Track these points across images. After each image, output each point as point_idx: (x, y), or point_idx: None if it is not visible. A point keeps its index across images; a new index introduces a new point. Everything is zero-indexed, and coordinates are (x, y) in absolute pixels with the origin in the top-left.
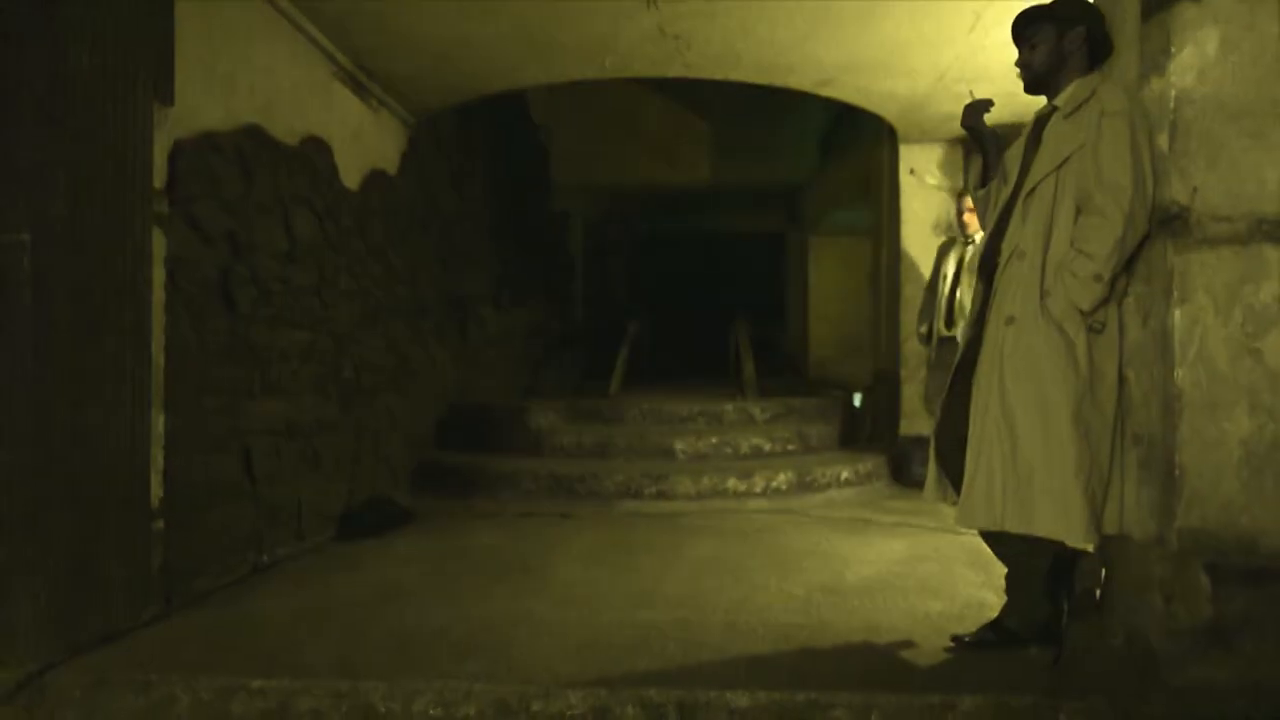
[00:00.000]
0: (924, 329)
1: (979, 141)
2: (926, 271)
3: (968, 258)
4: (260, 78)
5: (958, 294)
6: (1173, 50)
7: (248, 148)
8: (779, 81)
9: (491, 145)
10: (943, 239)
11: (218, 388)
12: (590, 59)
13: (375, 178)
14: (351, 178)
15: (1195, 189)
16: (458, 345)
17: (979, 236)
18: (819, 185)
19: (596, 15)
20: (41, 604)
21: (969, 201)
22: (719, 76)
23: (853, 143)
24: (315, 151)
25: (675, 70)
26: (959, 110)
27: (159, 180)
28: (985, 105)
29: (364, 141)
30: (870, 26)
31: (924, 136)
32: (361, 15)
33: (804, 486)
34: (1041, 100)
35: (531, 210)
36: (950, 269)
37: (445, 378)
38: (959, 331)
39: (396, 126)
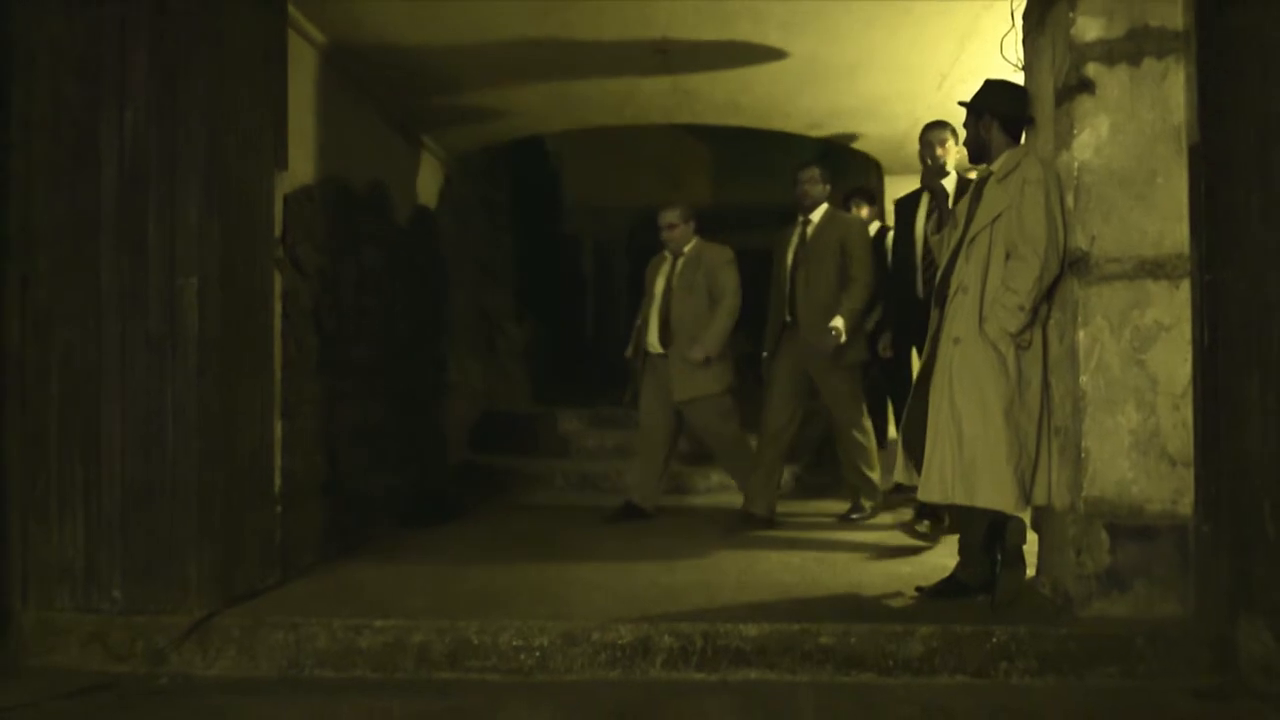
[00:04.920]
0: (631, 350)
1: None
2: None
3: (678, 271)
4: (337, 135)
5: (670, 310)
6: (1075, 131)
7: (331, 196)
8: (776, 126)
9: (512, 174)
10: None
11: (311, 397)
12: (612, 111)
13: (420, 212)
14: (403, 213)
15: (1094, 238)
16: (487, 358)
17: (688, 248)
18: None
19: (619, 77)
20: (205, 566)
21: (669, 217)
22: (724, 122)
23: (843, 170)
24: (377, 193)
25: (685, 117)
26: None
27: (277, 230)
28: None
29: (411, 181)
30: (852, 84)
31: (905, 169)
32: (418, 81)
33: (804, 483)
34: None
35: (547, 232)
36: (660, 286)
37: (477, 387)
38: (669, 347)
39: (436, 166)
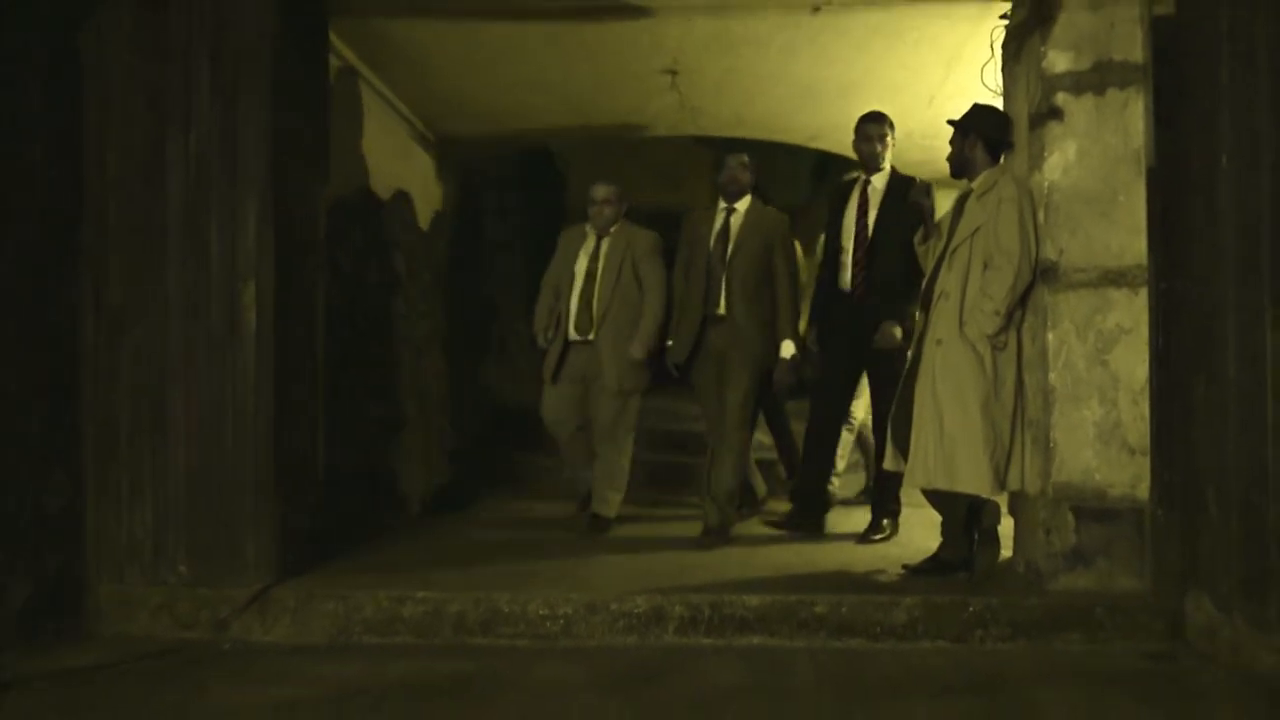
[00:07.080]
0: (546, 334)
1: (921, 213)
2: None
3: (603, 253)
4: (366, 148)
5: (594, 295)
6: (1046, 154)
7: (361, 205)
8: (777, 137)
9: (519, 177)
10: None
11: (344, 392)
12: (621, 122)
13: (438, 217)
14: (423, 219)
15: (1062, 250)
16: (498, 356)
17: (613, 229)
18: (811, 210)
19: (629, 93)
20: (262, 544)
21: (604, 192)
22: (727, 135)
23: (841, 175)
24: (401, 201)
25: (690, 130)
26: (926, 159)
27: (320, 236)
28: (926, 187)
29: (430, 188)
30: (848, 102)
31: None
32: (440, 93)
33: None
34: None
35: (552, 234)
36: (582, 267)
37: (489, 384)
38: (597, 334)
39: (452, 172)
